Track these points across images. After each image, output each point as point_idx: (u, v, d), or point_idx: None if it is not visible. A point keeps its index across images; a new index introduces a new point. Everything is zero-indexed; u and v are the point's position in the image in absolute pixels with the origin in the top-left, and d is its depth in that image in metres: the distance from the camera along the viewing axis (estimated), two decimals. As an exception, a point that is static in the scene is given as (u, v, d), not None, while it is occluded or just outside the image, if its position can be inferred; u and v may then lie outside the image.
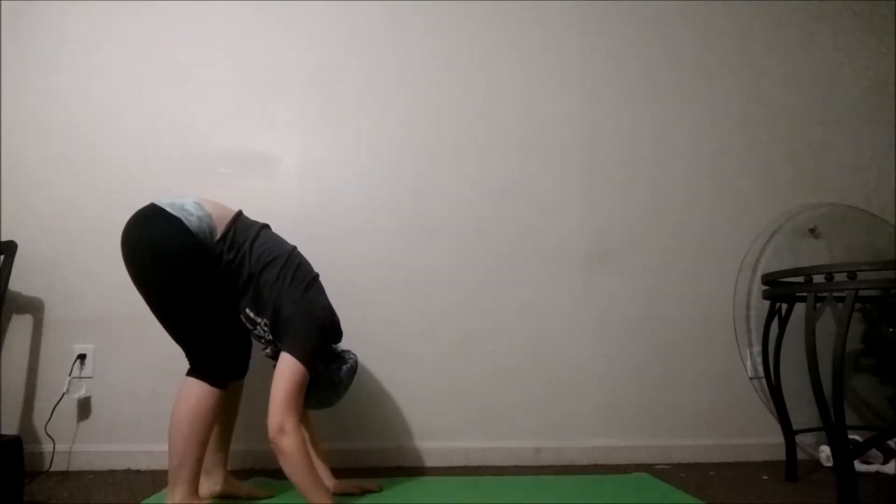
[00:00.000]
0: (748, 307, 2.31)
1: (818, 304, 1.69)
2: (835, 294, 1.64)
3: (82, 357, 2.09)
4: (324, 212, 2.23)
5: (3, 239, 2.07)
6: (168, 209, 1.49)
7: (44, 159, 2.19)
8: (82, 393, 2.08)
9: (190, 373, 1.51)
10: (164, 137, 2.24)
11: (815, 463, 2.15)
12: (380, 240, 2.24)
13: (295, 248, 1.66)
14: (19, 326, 2.11)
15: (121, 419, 2.08)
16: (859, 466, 1.98)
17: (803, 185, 2.40)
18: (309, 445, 1.67)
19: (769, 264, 2.29)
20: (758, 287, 2.26)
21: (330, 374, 1.60)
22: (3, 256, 1.96)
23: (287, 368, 1.45)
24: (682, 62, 2.43)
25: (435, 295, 2.22)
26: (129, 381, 2.11)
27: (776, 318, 1.99)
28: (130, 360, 2.12)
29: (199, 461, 1.47)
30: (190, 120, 2.25)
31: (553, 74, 2.38)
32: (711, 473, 2.03)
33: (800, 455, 2.04)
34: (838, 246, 2.34)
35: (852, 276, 1.60)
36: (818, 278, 1.71)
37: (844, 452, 1.60)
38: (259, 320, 1.57)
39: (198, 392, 1.47)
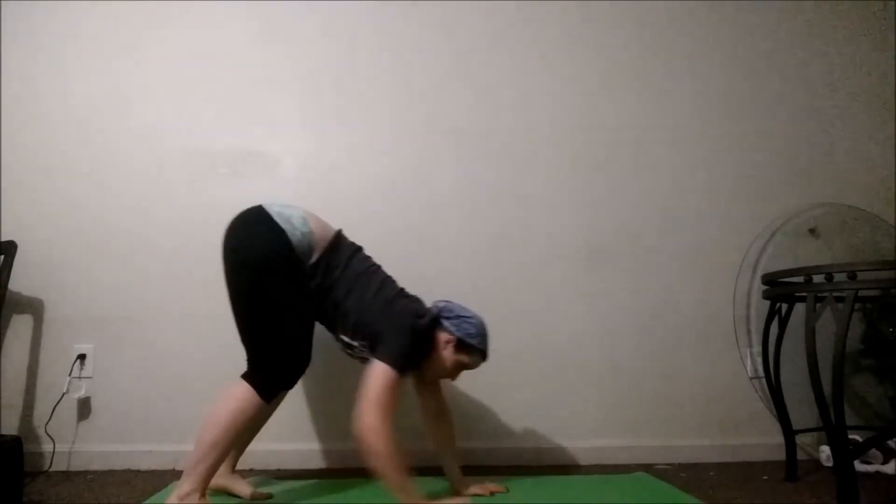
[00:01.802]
0: (748, 307, 2.31)
1: (818, 304, 1.69)
2: (835, 294, 1.64)
3: (82, 357, 2.09)
4: (324, 212, 2.22)
5: (3, 239, 2.07)
6: (275, 217, 1.51)
7: (44, 159, 2.19)
8: (82, 393, 2.08)
9: (244, 376, 1.52)
10: (164, 137, 2.24)
11: (815, 463, 2.15)
12: (378, 240, 2.22)
13: (379, 266, 1.68)
14: (19, 326, 2.11)
15: (121, 419, 2.08)
16: (859, 466, 1.98)
17: (803, 185, 2.40)
18: (442, 444, 1.72)
19: (769, 264, 2.29)
20: (758, 287, 2.26)
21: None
22: (3, 256, 1.96)
23: (379, 373, 1.46)
24: (680, 62, 2.44)
25: (432, 295, 2.22)
26: (129, 381, 2.11)
27: (776, 318, 1.99)
28: (130, 360, 2.12)
29: (218, 464, 1.48)
30: (190, 120, 2.25)
31: (552, 76, 2.38)
32: (711, 473, 2.03)
33: (800, 455, 2.04)
34: (838, 246, 2.34)
35: (852, 276, 1.60)
36: (818, 278, 1.71)
37: (844, 452, 1.60)
38: (355, 343, 1.60)
39: (243, 397, 1.48)
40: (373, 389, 1.44)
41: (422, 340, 1.58)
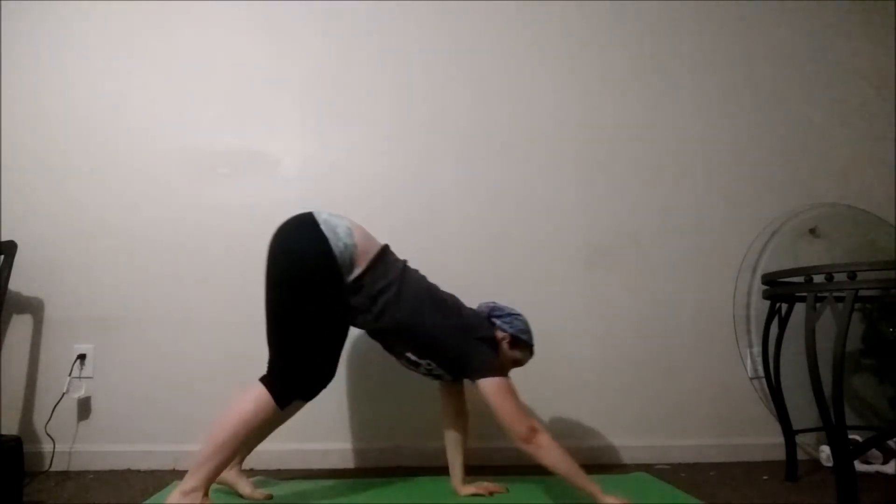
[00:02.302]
0: (748, 307, 2.31)
1: (818, 304, 1.69)
2: (835, 294, 1.64)
3: (82, 357, 2.09)
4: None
5: (3, 239, 2.07)
6: (321, 225, 1.51)
7: (44, 160, 2.19)
8: (82, 393, 2.08)
9: (263, 379, 1.51)
10: (165, 137, 2.24)
11: (815, 463, 2.15)
12: (380, 240, 2.23)
13: (425, 278, 1.67)
14: (19, 326, 2.11)
15: (121, 419, 2.08)
16: (859, 466, 1.98)
17: (803, 185, 2.40)
18: (454, 442, 1.76)
19: (769, 264, 2.29)
20: (758, 287, 2.26)
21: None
22: (3, 256, 1.96)
23: (493, 390, 1.52)
24: (680, 62, 2.44)
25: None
26: (129, 381, 2.10)
27: (776, 318, 1.99)
28: (130, 360, 2.11)
29: (225, 465, 1.48)
30: (190, 120, 2.25)
31: (552, 76, 2.39)
32: (711, 473, 2.03)
33: (800, 455, 2.04)
34: (838, 246, 2.34)
35: (852, 276, 1.60)
36: (818, 278, 1.71)
37: (844, 452, 1.60)
38: (422, 362, 1.62)
39: (257, 400, 1.47)
40: (502, 406, 1.50)
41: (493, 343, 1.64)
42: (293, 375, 1.52)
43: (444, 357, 1.60)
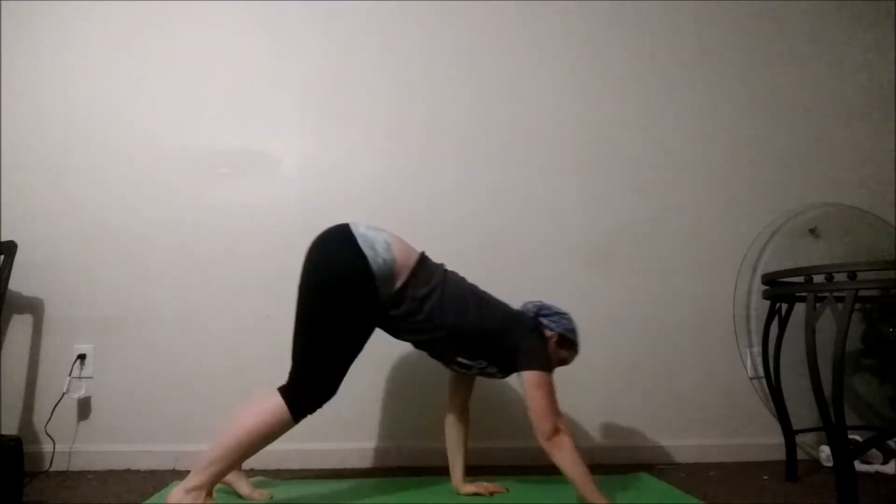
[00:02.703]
0: (748, 307, 2.31)
1: (818, 304, 1.69)
2: (835, 294, 1.63)
3: (82, 357, 2.09)
4: (323, 212, 2.23)
5: (3, 239, 2.07)
6: (360, 241, 1.49)
7: (44, 159, 2.19)
8: (82, 393, 2.08)
9: (282, 390, 1.50)
10: (165, 137, 2.24)
11: (815, 463, 2.15)
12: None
13: (474, 284, 1.68)
14: (19, 326, 2.11)
15: (121, 419, 2.08)
16: (859, 466, 1.98)
17: (803, 185, 2.41)
18: (456, 441, 1.77)
19: (769, 264, 2.29)
20: (758, 287, 2.26)
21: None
22: (3, 256, 1.96)
23: (535, 382, 1.53)
24: (680, 62, 2.44)
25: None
26: (129, 381, 2.10)
27: (776, 318, 1.99)
28: (130, 360, 2.12)
29: (230, 469, 1.48)
30: (190, 120, 2.25)
31: (552, 76, 2.39)
32: (711, 473, 2.03)
33: (800, 455, 2.04)
34: (838, 246, 2.34)
35: (852, 276, 1.60)
36: (818, 278, 1.71)
37: (844, 452, 1.60)
38: (473, 364, 1.62)
39: (273, 412, 1.46)
40: (538, 400, 1.52)
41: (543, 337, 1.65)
42: (314, 390, 1.51)
43: (495, 353, 1.59)
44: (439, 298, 1.54)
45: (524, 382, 1.55)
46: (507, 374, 1.69)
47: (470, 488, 1.72)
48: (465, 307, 1.57)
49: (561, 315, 1.68)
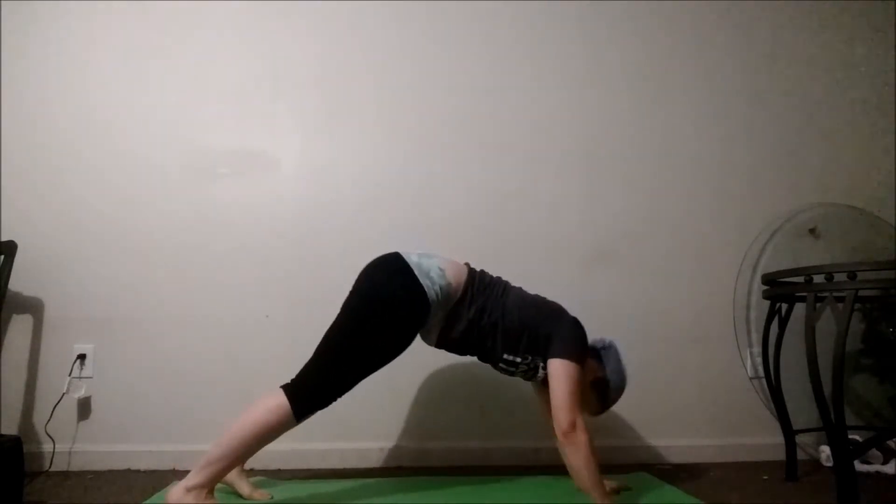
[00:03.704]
0: (748, 307, 2.31)
1: (818, 304, 1.69)
2: (835, 294, 1.64)
3: (82, 357, 2.09)
4: (324, 212, 2.23)
5: (3, 239, 2.07)
6: (415, 271, 1.51)
7: (44, 159, 2.19)
8: (82, 393, 2.08)
9: (286, 388, 1.49)
10: (165, 137, 2.23)
11: (815, 463, 2.15)
12: (378, 240, 2.23)
13: (517, 286, 1.69)
14: (19, 326, 2.11)
15: (121, 419, 2.08)
16: (859, 466, 1.99)
17: (803, 185, 2.41)
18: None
19: (769, 264, 2.29)
20: (758, 287, 2.26)
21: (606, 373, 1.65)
22: (3, 256, 1.96)
23: (561, 371, 1.50)
24: (681, 63, 2.44)
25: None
26: (129, 381, 2.10)
27: (776, 318, 1.99)
28: (130, 360, 2.11)
29: (232, 468, 1.49)
30: (190, 120, 2.25)
31: (555, 76, 2.39)
32: (711, 473, 2.03)
33: (800, 455, 2.04)
34: (838, 246, 2.34)
35: (852, 276, 1.61)
36: (818, 278, 1.71)
37: (844, 452, 1.60)
38: (518, 359, 1.61)
39: (277, 411, 1.46)
40: (561, 390, 1.48)
41: (584, 334, 1.62)
42: (324, 392, 1.50)
43: (537, 342, 1.57)
44: (485, 301, 1.57)
45: (550, 369, 1.52)
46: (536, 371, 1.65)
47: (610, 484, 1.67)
48: (516, 303, 1.59)
49: (620, 368, 1.64)
